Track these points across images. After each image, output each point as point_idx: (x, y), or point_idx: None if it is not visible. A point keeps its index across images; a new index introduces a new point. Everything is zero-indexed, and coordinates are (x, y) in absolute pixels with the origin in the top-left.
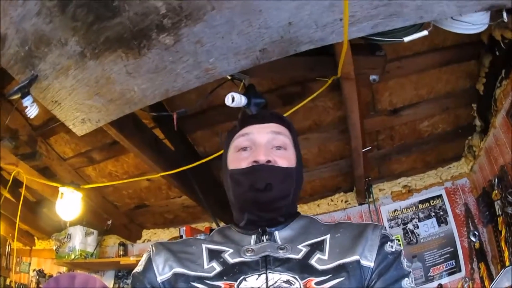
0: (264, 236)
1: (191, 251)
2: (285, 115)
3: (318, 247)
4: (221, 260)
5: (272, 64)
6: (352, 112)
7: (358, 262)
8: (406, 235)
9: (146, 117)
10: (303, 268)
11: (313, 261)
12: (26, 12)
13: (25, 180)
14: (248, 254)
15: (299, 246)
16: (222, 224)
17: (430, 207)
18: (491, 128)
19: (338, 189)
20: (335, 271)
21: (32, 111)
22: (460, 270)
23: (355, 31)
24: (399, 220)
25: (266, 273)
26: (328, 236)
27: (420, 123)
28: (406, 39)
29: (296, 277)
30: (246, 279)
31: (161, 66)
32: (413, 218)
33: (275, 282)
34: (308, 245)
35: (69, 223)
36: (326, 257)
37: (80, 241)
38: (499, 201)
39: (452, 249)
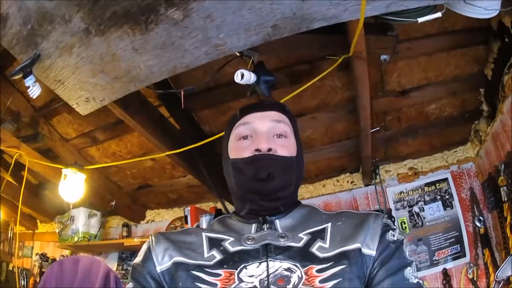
0: (265, 225)
1: (191, 240)
2: (293, 93)
3: (319, 235)
4: (222, 248)
5: (283, 41)
6: (363, 92)
7: (359, 250)
8: (412, 217)
9: (152, 95)
10: (304, 256)
11: (314, 249)
12: None
13: (27, 163)
14: (248, 243)
15: (300, 235)
16: (227, 204)
17: (436, 190)
18: (498, 114)
19: (344, 169)
20: (337, 259)
21: (34, 91)
22: (464, 255)
23: (370, 9)
24: (405, 203)
25: (267, 261)
26: (329, 225)
27: (428, 106)
28: (420, 20)
29: (297, 264)
30: (247, 267)
31: (169, 42)
32: (419, 201)
33: (276, 270)
34: (309, 233)
35: (72, 205)
36: (327, 245)
37: (84, 223)
38: (505, 187)
39: (457, 233)
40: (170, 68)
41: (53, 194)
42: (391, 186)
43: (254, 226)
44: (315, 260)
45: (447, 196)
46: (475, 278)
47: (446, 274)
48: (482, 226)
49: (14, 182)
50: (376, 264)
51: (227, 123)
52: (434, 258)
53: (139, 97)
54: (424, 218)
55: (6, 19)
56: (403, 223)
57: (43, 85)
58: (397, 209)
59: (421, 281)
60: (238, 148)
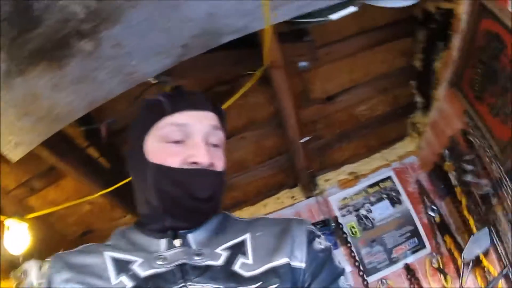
0: (176, 241)
1: (92, 261)
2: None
3: (239, 250)
4: (131, 273)
5: (196, 62)
6: (286, 103)
7: (288, 265)
8: (361, 221)
9: (79, 136)
10: (227, 276)
11: (236, 267)
12: None
13: None
14: (159, 263)
15: (218, 250)
16: None
17: (380, 190)
18: (434, 102)
19: (283, 186)
20: (265, 277)
21: None
22: (424, 247)
23: (280, 14)
24: (351, 208)
25: (185, 285)
26: (248, 236)
27: (357, 108)
28: (333, 17)
29: (221, 287)
30: None
31: (84, 75)
32: (365, 203)
33: None
34: (228, 248)
35: (22, 259)
36: (250, 261)
37: (36, 275)
38: (454, 172)
39: (412, 227)
40: (88, 103)
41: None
42: (333, 194)
43: (163, 241)
44: (241, 280)
45: (393, 194)
46: (441, 267)
47: (408, 269)
48: (437, 215)
49: None
50: (307, 277)
51: (146, 109)
52: (392, 256)
53: (65, 139)
54: (373, 219)
55: None
56: (352, 228)
57: None
58: (343, 215)
59: None
60: (165, 152)
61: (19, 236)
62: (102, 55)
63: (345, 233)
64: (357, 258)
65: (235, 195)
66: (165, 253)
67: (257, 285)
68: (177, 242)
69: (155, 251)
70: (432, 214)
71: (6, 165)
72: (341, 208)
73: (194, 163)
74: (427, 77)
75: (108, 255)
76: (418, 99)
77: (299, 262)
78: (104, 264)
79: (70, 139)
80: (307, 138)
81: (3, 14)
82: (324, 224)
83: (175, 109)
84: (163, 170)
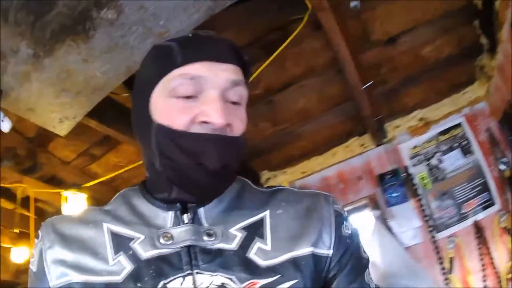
0: (185, 215)
1: (89, 235)
2: (266, 62)
3: (256, 231)
4: (131, 252)
5: (237, 13)
6: (340, 47)
7: (312, 255)
8: (431, 171)
9: (128, 101)
10: (240, 264)
11: (252, 254)
12: None
13: (31, 194)
14: (163, 242)
15: (232, 230)
16: None
17: (451, 138)
18: (499, 44)
19: (351, 133)
20: (285, 270)
21: (4, 126)
22: (494, 203)
23: None
24: (421, 157)
25: (193, 274)
26: (267, 213)
27: (422, 49)
28: None
29: (233, 278)
30: (168, 285)
31: (113, 43)
32: (436, 152)
33: None
34: (244, 228)
35: None
36: (268, 247)
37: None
38: None
39: (483, 179)
40: (124, 69)
41: None
42: (403, 142)
43: (170, 215)
44: (256, 271)
45: (464, 142)
46: (509, 226)
47: (477, 227)
48: (507, 169)
49: (33, 215)
50: (333, 267)
51: (154, 58)
52: (462, 212)
53: (112, 104)
54: (444, 169)
55: None
56: (423, 179)
57: None
58: (414, 165)
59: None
60: (172, 109)
61: (77, 206)
62: (126, 21)
63: (415, 184)
64: (426, 212)
65: (303, 145)
66: (171, 229)
67: (273, 278)
68: (186, 218)
69: (161, 226)
70: (502, 167)
71: (60, 137)
72: (411, 157)
73: (205, 122)
74: (489, 17)
75: (107, 226)
76: (483, 40)
77: (326, 249)
78: (101, 238)
79: (119, 105)
80: (369, 84)
81: (16, 4)
82: (393, 175)
83: (188, 58)
84: (167, 133)
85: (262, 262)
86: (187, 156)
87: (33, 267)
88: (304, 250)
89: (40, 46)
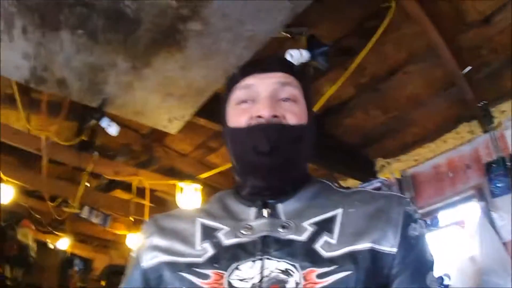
0: (265, 210)
1: (183, 227)
2: (368, 48)
3: (326, 226)
4: (215, 240)
5: (325, 7)
6: (431, 33)
7: (370, 251)
8: None
9: None
10: (305, 254)
11: (318, 246)
12: (68, 55)
13: (147, 185)
14: (244, 232)
15: (305, 224)
16: None
17: None
18: None
19: (460, 119)
20: (342, 261)
21: (111, 130)
22: None
23: None
24: None
25: (262, 259)
26: (340, 211)
27: None
28: None
29: (296, 265)
30: (239, 267)
31: (206, 50)
32: None
33: (271, 272)
34: (315, 223)
35: None
36: (334, 241)
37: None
38: None
39: None
40: (222, 72)
41: None
42: (508, 127)
43: (253, 210)
44: (318, 260)
45: None
46: None
47: None
48: None
49: (151, 205)
50: (396, 265)
51: (226, 84)
52: None
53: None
54: None
55: (64, 81)
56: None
57: None
58: None
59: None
60: (237, 114)
61: (192, 196)
62: (214, 30)
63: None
64: None
65: (415, 132)
66: (252, 222)
67: (330, 268)
68: (265, 212)
69: (245, 219)
70: None
71: (179, 133)
72: None
73: (259, 116)
74: None
75: (200, 221)
76: None
77: (390, 246)
78: (193, 229)
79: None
80: (468, 69)
81: (102, 26)
82: (499, 163)
83: (243, 75)
84: (234, 132)
85: (325, 254)
86: (245, 145)
87: (133, 254)
88: (363, 245)
89: (136, 59)
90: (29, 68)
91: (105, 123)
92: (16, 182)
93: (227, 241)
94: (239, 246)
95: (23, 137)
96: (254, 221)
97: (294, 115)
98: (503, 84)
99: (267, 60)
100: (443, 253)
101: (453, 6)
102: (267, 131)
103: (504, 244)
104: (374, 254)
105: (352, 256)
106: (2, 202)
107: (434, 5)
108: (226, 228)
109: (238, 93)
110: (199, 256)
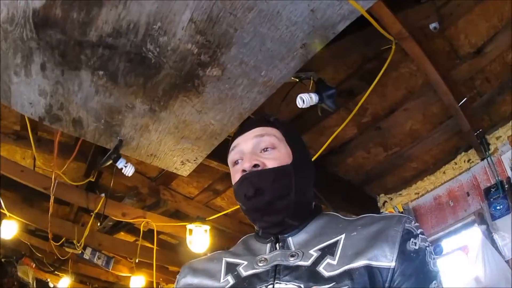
0: (278, 244)
1: (212, 267)
2: (369, 91)
3: (329, 250)
4: (235, 273)
5: (330, 52)
6: (428, 70)
7: (366, 267)
8: None
9: None
10: (310, 275)
11: (321, 268)
12: (86, 95)
13: (155, 227)
14: (260, 264)
15: (311, 251)
16: None
17: None
18: None
19: (458, 149)
20: (340, 278)
21: (128, 171)
22: None
23: None
24: None
25: (273, 284)
26: (343, 236)
27: (507, 55)
28: None
29: (302, 285)
30: None
31: (223, 95)
32: None
33: None
34: (320, 249)
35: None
36: (335, 262)
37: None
38: None
39: None
40: (237, 116)
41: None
42: (504, 152)
43: (268, 245)
44: (320, 280)
45: None
46: None
47: None
48: None
49: (155, 247)
50: (396, 277)
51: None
52: None
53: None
54: None
55: (80, 121)
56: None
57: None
58: None
59: None
60: (234, 174)
61: (201, 237)
62: (231, 76)
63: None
64: None
65: (415, 166)
66: (267, 255)
67: (329, 285)
68: (277, 246)
69: (261, 254)
70: None
71: (183, 176)
72: None
73: (243, 170)
74: None
75: (225, 260)
76: None
77: (388, 261)
78: (220, 267)
79: None
80: (464, 100)
81: (123, 69)
82: (497, 187)
83: (234, 138)
84: (234, 189)
85: (326, 274)
86: (241, 196)
87: None
88: (359, 263)
89: (154, 102)
90: (45, 105)
91: (121, 164)
92: (20, 219)
93: (246, 272)
94: (255, 275)
95: (31, 175)
96: (269, 254)
97: (273, 160)
98: (497, 111)
99: (249, 120)
100: (449, 278)
101: (447, 42)
102: (250, 179)
103: (507, 262)
104: (370, 270)
105: (348, 274)
106: (4, 238)
107: (431, 42)
108: (245, 263)
109: (231, 156)
110: (222, 287)
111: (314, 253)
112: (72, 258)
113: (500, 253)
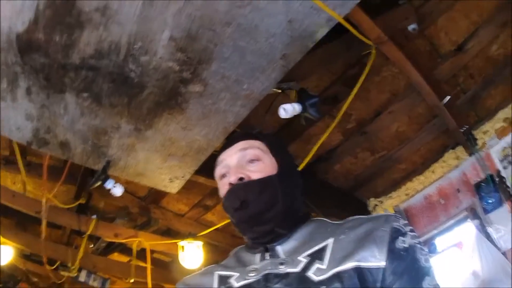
0: (267, 253)
1: (204, 281)
2: (351, 97)
3: (318, 255)
4: (228, 285)
5: (311, 60)
6: (410, 73)
7: (355, 269)
8: None
9: None
10: (300, 281)
11: (310, 273)
12: (72, 117)
13: (148, 246)
14: (251, 275)
15: (300, 257)
16: None
17: None
18: None
19: (446, 147)
20: (329, 282)
21: (116, 191)
22: None
23: None
24: (510, 157)
25: None
26: (331, 240)
27: (489, 49)
28: None
29: None
30: None
31: (206, 111)
32: None
33: None
34: (309, 255)
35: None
36: (324, 266)
37: None
38: None
39: None
40: (222, 130)
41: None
42: (492, 146)
43: (258, 256)
44: (310, 284)
45: None
46: None
47: None
48: None
49: (149, 266)
50: (388, 276)
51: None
52: None
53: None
54: None
55: (67, 144)
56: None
57: None
58: (505, 168)
59: None
60: (221, 188)
61: (194, 253)
62: (213, 91)
63: (508, 186)
64: None
65: (403, 167)
66: (257, 265)
67: None
68: (267, 255)
69: (252, 264)
70: None
71: (174, 194)
72: (501, 160)
73: (230, 183)
74: None
75: (217, 273)
76: None
77: (377, 261)
78: (212, 281)
79: None
80: (448, 99)
81: (107, 90)
82: (488, 181)
83: (220, 153)
84: (223, 202)
85: (316, 278)
86: (229, 208)
87: None
88: (348, 265)
89: (139, 121)
90: (32, 129)
91: (110, 184)
92: (15, 244)
93: (237, 284)
94: (247, 286)
95: (22, 200)
96: (259, 264)
97: (258, 172)
98: (482, 106)
99: (234, 135)
100: (446, 276)
101: (428, 41)
102: (235, 191)
103: (504, 253)
104: (360, 271)
105: (337, 276)
106: (1, 263)
107: (411, 44)
108: (236, 274)
109: (217, 170)
110: None
111: (303, 259)
112: (67, 281)
113: (495, 245)
